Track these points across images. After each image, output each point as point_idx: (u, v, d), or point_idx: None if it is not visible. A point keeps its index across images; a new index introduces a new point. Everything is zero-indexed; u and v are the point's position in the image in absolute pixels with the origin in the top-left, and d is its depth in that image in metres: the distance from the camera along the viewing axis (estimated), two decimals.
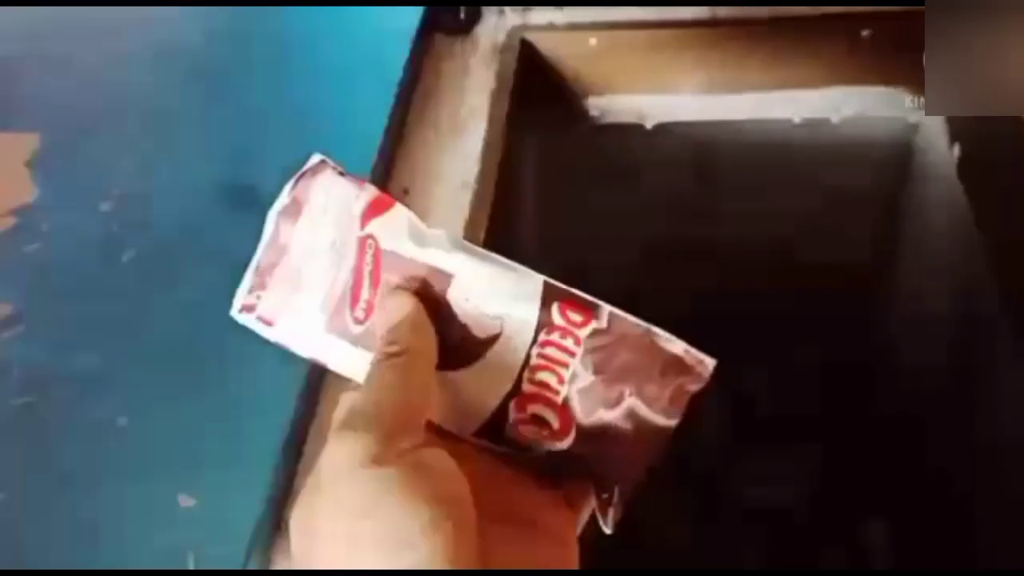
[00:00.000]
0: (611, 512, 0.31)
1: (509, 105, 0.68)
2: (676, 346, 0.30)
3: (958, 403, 0.79)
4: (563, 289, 0.31)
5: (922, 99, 0.74)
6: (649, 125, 0.79)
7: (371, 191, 0.32)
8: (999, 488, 0.70)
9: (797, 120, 0.77)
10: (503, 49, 0.72)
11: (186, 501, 0.44)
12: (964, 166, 0.71)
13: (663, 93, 0.76)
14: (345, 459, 0.25)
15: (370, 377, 0.28)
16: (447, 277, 0.31)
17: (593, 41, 0.72)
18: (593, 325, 0.30)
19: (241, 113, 0.64)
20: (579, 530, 0.32)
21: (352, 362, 0.31)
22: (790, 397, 1.26)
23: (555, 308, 0.30)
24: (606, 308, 0.31)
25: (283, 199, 0.33)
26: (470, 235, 0.59)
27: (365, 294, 0.31)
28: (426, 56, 0.72)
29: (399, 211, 0.32)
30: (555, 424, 0.30)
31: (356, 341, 0.31)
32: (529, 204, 0.85)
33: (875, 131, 0.80)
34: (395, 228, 0.31)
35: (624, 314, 0.31)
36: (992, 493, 0.71)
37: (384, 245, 0.31)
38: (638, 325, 0.30)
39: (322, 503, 0.24)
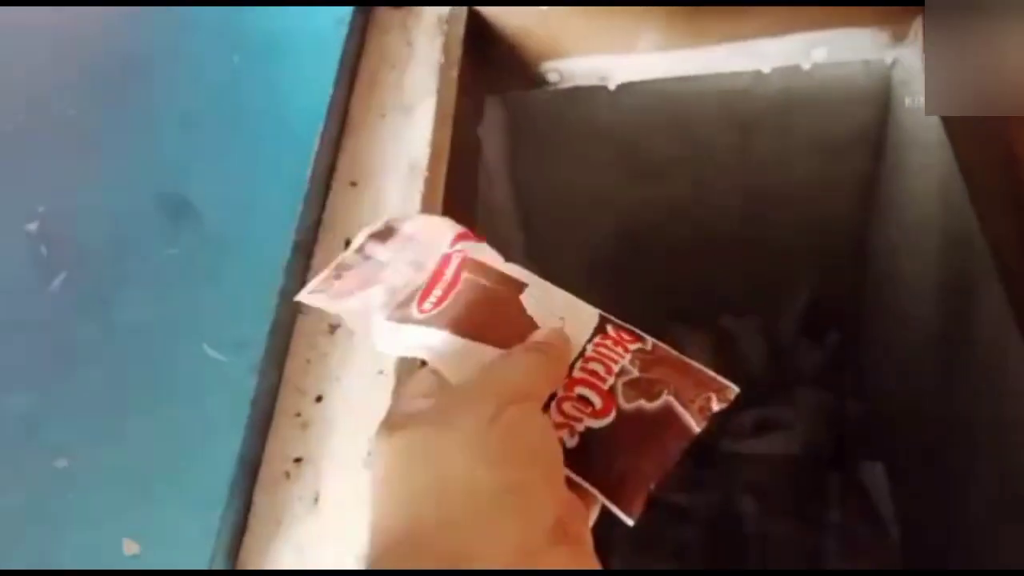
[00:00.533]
0: (636, 501, 0.32)
1: (459, 78, 0.64)
2: (708, 372, 0.34)
3: (946, 342, 0.76)
4: (614, 320, 0.36)
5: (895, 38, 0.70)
6: (612, 86, 0.75)
7: (460, 227, 0.38)
8: (991, 429, 0.68)
9: (767, 70, 0.73)
10: (449, 19, 0.68)
11: (131, 547, 0.41)
12: None
13: (623, 52, 0.72)
14: (481, 411, 0.29)
15: (517, 358, 0.32)
16: (521, 284, 0.35)
17: (543, 4, 0.68)
18: (639, 345, 0.35)
19: (170, 116, 0.60)
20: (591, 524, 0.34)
21: (406, 338, 0.34)
22: (783, 346, 1.24)
23: (609, 326, 0.35)
24: (650, 339, 0.35)
25: (377, 225, 0.38)
26: None
27: (437, 291, 0.35)
28: (367, 33, 0.67)
29: (484, 244, 0.37)
30: (598, 404, 0.33)
31: (418, 323, 0.34)
32: (493, 178, 0.81)
33: (850, 74, 0.76)
34: (480, 250, 0.37)
35: (665, 345, 0.35)
36: (983, 434, 0.70)
37: (470, 255, 0.36)
38: (673, 352, 0.35)
39: (456, 438, 0.28)
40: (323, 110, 0.59)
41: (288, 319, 0.49)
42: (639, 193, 0.99)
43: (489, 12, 0.69)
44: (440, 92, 0.63)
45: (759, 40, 0.69)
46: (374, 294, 0.36)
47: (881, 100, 0.82)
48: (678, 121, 0.88)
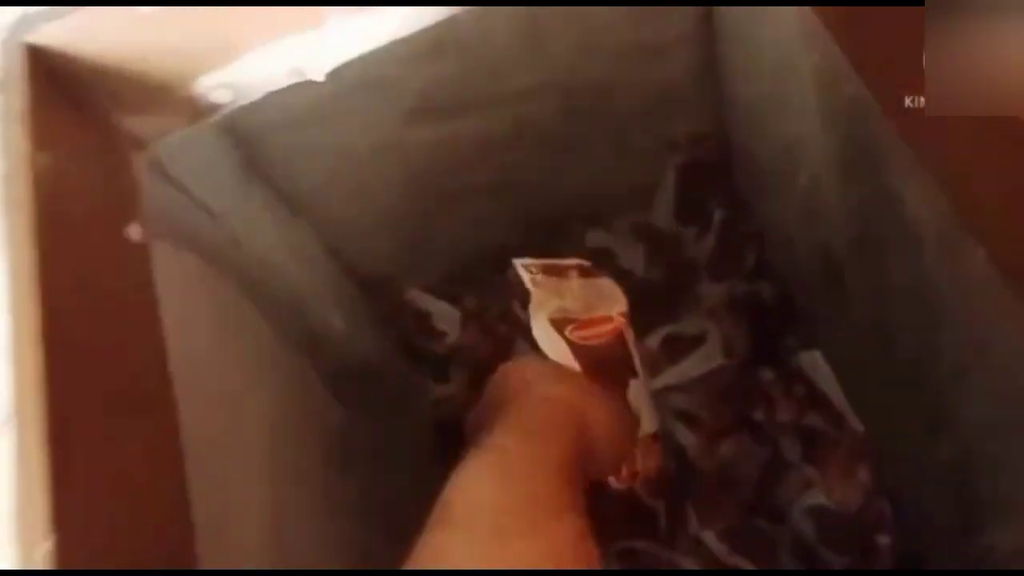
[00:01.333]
0: None
1: (36, 164, 0.39)
2: None
3: (845, 188, 0.63)
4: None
5: None
6: (320, 76, 0.50)
7: (626, 310, 0.52)
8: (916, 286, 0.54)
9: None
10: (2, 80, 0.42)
11: None
12: None
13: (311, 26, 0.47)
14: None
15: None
16: (630, 377, 0.50)
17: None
18: None
19: None
20: None
21: (550, 339, 0.47)
22: (666, 241, 1.05)
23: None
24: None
25: (587, 263, 0.55)
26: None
27: (587, 333, 0.48)
28: None
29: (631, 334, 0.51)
30: None
31: (567, 340, 0.47)
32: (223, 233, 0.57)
33: None
34: (629, 332, 0.51)
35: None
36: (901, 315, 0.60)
37: (623, 330, 0.50)
38: None
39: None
40: None
41: None
42: (436, 137, 0.78)
43: (64, 43, 0.43)
44: (8, 201, 0.38)
45: None
46: (551, 304, 0.47)
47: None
48: (461, 61, 0.67)
